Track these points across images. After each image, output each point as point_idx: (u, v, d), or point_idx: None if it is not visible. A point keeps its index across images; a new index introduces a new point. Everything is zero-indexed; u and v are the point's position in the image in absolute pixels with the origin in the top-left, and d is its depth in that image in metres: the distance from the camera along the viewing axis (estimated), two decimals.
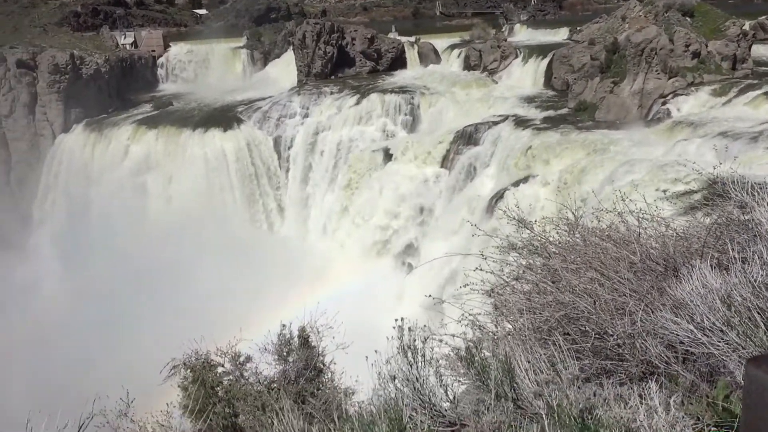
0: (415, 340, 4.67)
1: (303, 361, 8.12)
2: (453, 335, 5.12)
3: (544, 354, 4.48)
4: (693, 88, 53.57)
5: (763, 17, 68.96)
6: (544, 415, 3.69)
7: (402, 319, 4.82)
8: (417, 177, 56.38)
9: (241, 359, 8.21)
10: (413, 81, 69.14)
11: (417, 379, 4.32)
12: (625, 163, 43.20)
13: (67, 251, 58.37)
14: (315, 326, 8.11)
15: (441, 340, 5.04)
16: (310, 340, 8.23)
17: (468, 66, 72.21)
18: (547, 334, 5.31)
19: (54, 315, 50.71)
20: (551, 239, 7.17)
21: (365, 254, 55.72)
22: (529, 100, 61.35)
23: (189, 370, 7.86)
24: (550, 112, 57.66)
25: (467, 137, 56.32)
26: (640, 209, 7.16)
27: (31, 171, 70.73)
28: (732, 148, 38.46)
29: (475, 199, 50.58)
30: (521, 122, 55.30)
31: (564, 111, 57.80)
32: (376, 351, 4.73)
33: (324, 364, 8.15)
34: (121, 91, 76.11)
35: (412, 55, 76.67)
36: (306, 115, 65.18)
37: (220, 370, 8.09)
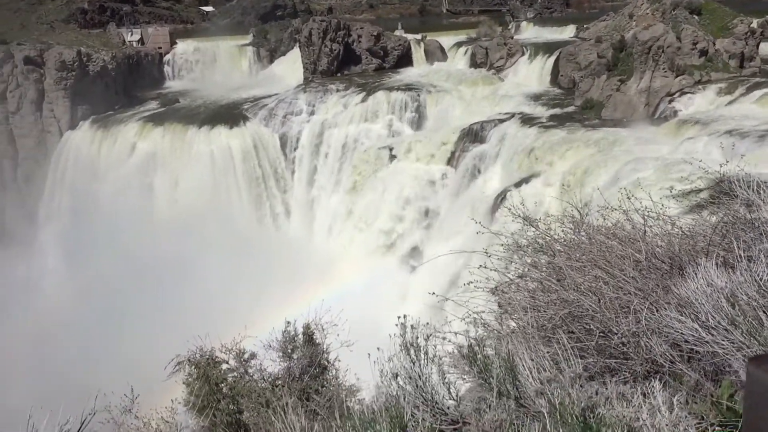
0: (417, 338, 4.66)
1: (307, 359, 8.12)
2: (455, 333, 5.11)
3: (548, 352, 4.47)
4: (700, 87, 53.35)
5: None
6: (546, 414, 3.68)
7: (405, 316, 4.81)
8: (422, 177, 56.29)
9: (246, 356, 8.22)
10: (419, 78, 69.09)
11: (419, 376, 4.31)
12: (632, 162, 43.06)
13: (72, 248, 58.57)
14: (319, 324, 8.12)
15: (444, 338, 5.03)
16: (314, 337, 8.23)
17: (474, 63, 72.12)
18: (551, 333, 5.29)
19: (58, 311, 50.92)
20: (556, 237, 7.15)
21: (370, 255, 55.66)
22: (536, 97, 61.23)
23: (193, 367, 7.87)
24: (557, 110, 57.53)
25: (473, 135, 56.25)
26: (646, 207, 7.13)
27: (38, 168, 71.01)
28: (739, 146, 38.27)
29: (480, 198, 50.52)
30: (527, 120, 55.18)
31: (570, 109, 57.66)
32: (378, 348, 4.72)
33: (328, 362, 8.16)
34: (127, 88, 76.33)
35: (418, 52, 76.61)
36: (312, 113, 65.22)
37: (224, 366, 8.10)
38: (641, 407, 3.76)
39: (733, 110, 48.35)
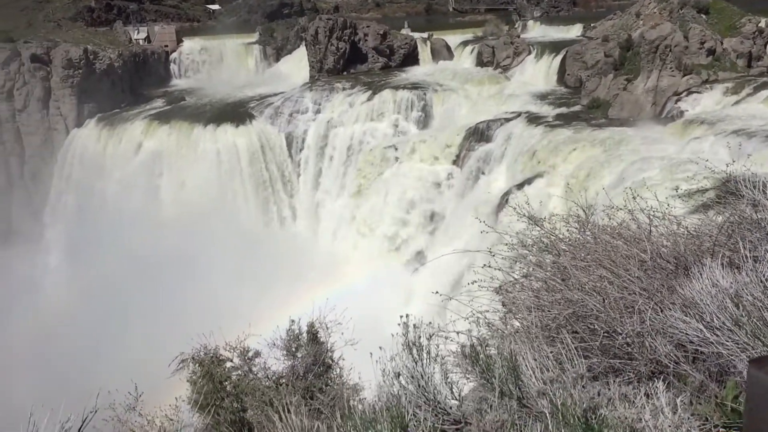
0: (420, 337, 4.65)
1: (311, 357, 8.12)
2: (458, 332, 5.09)
3: (552, 352, 4.45)
4: (707, 86, 53.14)
5: None
6: (548, 414, 3.66)
7: (407, 315, 4.80)
8: (428, 179, 56.18)
9: (250, 354, 8.22)
10: (425, 77, 69.01)
11: (422, 376, 4.30)
12: (638, 161, 42.94)
13: (78, 245, 58.74)
14: (324, 322, 8.11)
15: (447, 337, 5.01)
16: (318, 336, 8.23)
17: (481, 62, 72.00)
18: (555, 332, 5.27)
19: (63, 309, 51.09)
20: (561, 237, 7.13)
21: (374, 258, 55.57)
22: (542, 97, 61.09)
23: (198, 365, 7.88)
24: (563, 110, 57.39)
25: (479, 134, 56.17)
26: (652, 207, 7.11)
27: (45, 165, 71.26)
28: (746, 146, 38.13)
29: (486, 197, 50.44)
30: (534, 119, 55.06)
31: (577, 108, 57.52)
32: (380, 347, 4.71)
33: (332, 360, 8.15)
34: (134, 86, 76.51)
35: (424, 51, 76.53)
36: (318, 111, 65.22)
37: (228, 365, 8.10)
38: (644, 408, 3.74)
39: (741, 110, 48.15)
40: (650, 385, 4.09)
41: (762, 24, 59.83)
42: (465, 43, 76.81)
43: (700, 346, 4.53)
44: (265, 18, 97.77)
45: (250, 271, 50.05)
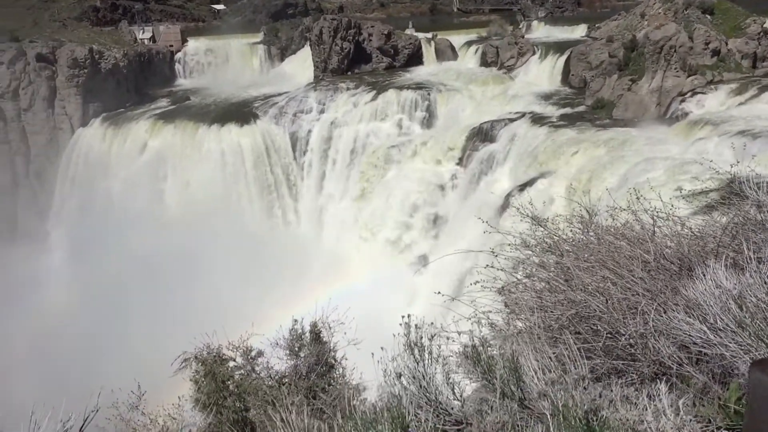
0: (421, 338, 4.64)
1: (314, 357, 8.11)
2: (459, 332, 5.08)
3: (554, 353, 4.43)
4: (712, 87, 52.99)
5: None
6: (549, 416, 3.65)
7: (408, 315, 4.79)
8: (431, 180, 56.09)
9: (253, 354, 8.22)
10: (430, 77, 69.00)
11: (423, 376, 4.30)
12: (642, 162, 42.85)
13: (82, 244, 58.81)
14: (326, 322, 8.11)
15: (448, 338, 5.00)
16: (321, 335, 8.22)
17: (485, 63, 71.97)
18: (557, 333, 5.26)
19: (67, 308, 51.15)
20: (565, 237, 7.11)
21: (378, 259, 55.50)
22: (546, 97, 61.02)
23: (200, 364, 7.88)
24: (567, 110, 57.32)
25: (483, 134, 56.14)
26: (655, 208, 7.09)
27: (50, 164, 71.39)
28: (750, 146, 38.03)
29: (490, 197, 50.37)
30: (538, 119, 55.00)
31: (581, 108, 57.44)
32: (382, 348, 4.70)
33: (335, 360, 8.15)
34: (139, 85, 76.63)
35: (428, 51, 76.52)
36: (322, 111, 65.24)
37: (231, 364, 8.11)
38: (646, 410, 3.73)
39: (745, 111, 48.01)
40: (653, 386, 4.07)
41: (767, 25, 59.64)
42: (469, 44, 76.78)
43: (704, 347, 4.52)
44: (270, 18, 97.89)
45: (254, 271, 50.09)
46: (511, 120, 56.25)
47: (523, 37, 74.30)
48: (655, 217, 6.81)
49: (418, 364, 4.42)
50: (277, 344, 8.14)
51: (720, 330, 4.44)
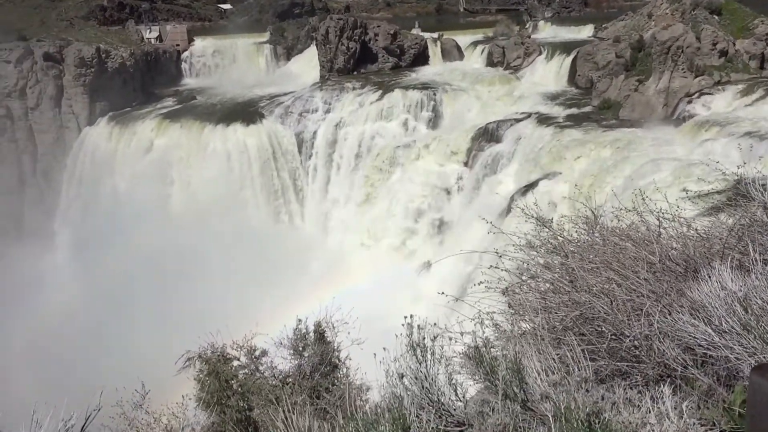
0: (424, 338, 4.63)
1: (318, 357, 8.12)
2: (461, 333, 5.07)
3: (558, 354, 4.42)
4: (719, 87, 52.77)
5: None
6: (551, 418, 3.63)
7: (411, 316, 4.78)
8: (437, 182, 55.98)
9: (257, 353, 8.23)
10: (435, 77, 68.93)
11: (426, 377, 4.28)
12: (648, 163, 42.72)
13: (88, 242, 59.00)
14: (330, 322, 8.11)
15: (451, 338, 4.99)
16: (325, 335, 8.23)
17: (491, 63, 71.87)
18: (561, 334, 5.24)
19: (71, 306, 51.28)
20: (570, 238, 7.09)
21: (383, 260, 55.44)
22: (553, 97, 60.88)
23: (204, 363, 7.89)
24: (574, 110, 57.18)
25: (489, 134, 56.06)
26: (661, 209, 7.06)
27: (57, 163, 71.63)
28: (757, 148, 37.86)
29: (495, 198, 50.26)
30: (544, 120, 54.88)
31: (588, 109, 57.28)
32: (384, 348, 4.70)
33: (339, 360, 8.15)
34: (145, 84, 76.84)
35: (434, 51, 76.45)
36: (328, 111, 65.23)
37: (235, 363, 8.12)
38: (649, 412, 3.71)
39: (753, 112, 47.80)
40: (656, 389, 4.05)
41: None
42: (475, 44, 76.67)
43: (709, 349, 4.49)
44: (276, 17, 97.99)
45: (259, 272, 50.16)
46: (517, 120, 56.15)
47: (529, 37, 74.15)
48: (660, 219, 6.79)
49: (420, 364, 4.41)
50: (281, 344, 8.15)
51: (725, 332, 4.41)
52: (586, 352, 4.65)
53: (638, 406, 3.86)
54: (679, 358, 4.64)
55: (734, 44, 56.01)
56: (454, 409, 4.21)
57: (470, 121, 60.04)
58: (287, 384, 7.82)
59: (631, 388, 4.26)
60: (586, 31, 79.21)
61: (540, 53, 69.66)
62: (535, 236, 7.23)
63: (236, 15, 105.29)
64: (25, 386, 37.41)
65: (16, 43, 72.88)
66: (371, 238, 57.57)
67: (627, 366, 4.92)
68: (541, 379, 4.07)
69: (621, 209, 7.37)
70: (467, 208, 53.17)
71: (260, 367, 8.11)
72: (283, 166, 64.10)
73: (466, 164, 56.20)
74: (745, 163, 7.85)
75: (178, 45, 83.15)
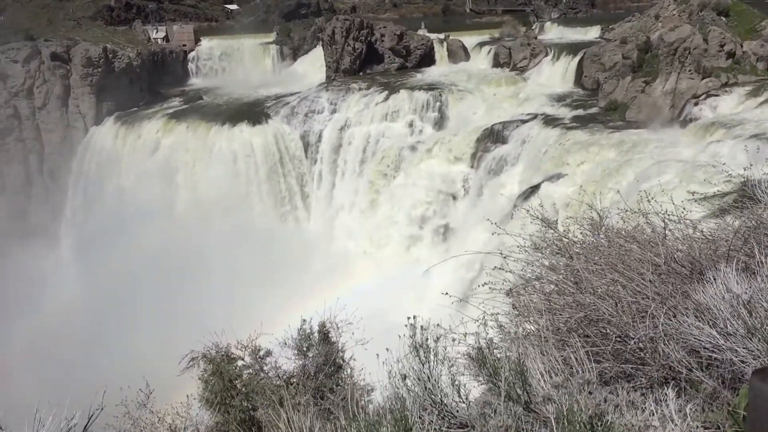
0: (427, 339, 4.62)
1: (322, 357, 8.11)
2: (465, 334, 5.06)
3: (561, 356, 4.40)
4: (727, 89, 52.58)
5: None
6: (553, 420, 3.61)
7: (414, 317, 4.77)
8: (441, 186, 55.89)
9: (261, 353, 8.23)
10: (442, 78, 68.89)
11: (428, 378, 4.28)
12: (655, 164, 42.58)
13: (93, 241, 59.15)
14: (335, 322, 8.11)
15: (454, 339, 4.98)
16: (330, 335, 8.22)
17: (497, 64, 71.80)
18: (566, 336, 5.22)
19: (77, 304, 51.42)
20: (575, 239, 7.07)
21: (387, 266, 55.41)
22: (559, 98, 60.77)
23: (209, 363, 7.90)
24: (580, 111, 57.07)
25: (495, 135, 55.99)
26: (667, 211, 7.03)
27: (63, 162, 71.86)
28: (764, 150, 37.62)
29: (501, 199, 50.18)
30: (550, 121, 54.79)
31: (594, 110, 57.16)
32: (387, 349, 4.69)
33: (344, 360, 8.14)
34: (152, 84, 77.05)
35: (441, 52, 76.43)
36: (334, 111, 65.28)
37: (239, 363, 8.12)
38: (652, 415, 3.69)
39: (760, 113, 47.60)
40: (660, 391, 4.03)
41: None
42: (482, 44, 76.60)
43: (714, 352, 4.47)
44: (283, 18, 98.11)
45: (264, 270, 50.21)
46: (523, 121, 56.08)
47: (536, 38, 74.07)
48: (666, 220, 6.76)
49: (423, 365, 4.40)
50: (286, 344, 8.15)
51: (730, 335, 4.39)
52: (590, 354, 4.63)
53: (641, 408, 3.84)
54: (683, 360, 4.62)
55: (742, 46, 55.81)
56: (457, 411, 4.20)
57: (476, 122, 59.98)
58: (291, 384, 7.82)
59: (635, 390, 4.24)
60: (592, 33, 79.03)
61: (546, 54, 69.56)
62: (540, 238, 7.21)
63: (243, 15, 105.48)
64: (28, 385, 37.46)
65: (23, 42, 73.17)
66: (373, 245, 57.55)
67: (632, 368, 4.90)
68: (544, 380, 4.05)
69: (626, 211, 7.35)
70: (472, 211, 53.09)
71: (264, 367, 8.11)
72: (290, 172, 64.14)
73: (471, 165, 56.13)
74: (751, 165, 7.81)
75: (184, 45, 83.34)
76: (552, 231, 7.29)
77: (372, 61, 74.24)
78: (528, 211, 7.76)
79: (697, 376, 4.51)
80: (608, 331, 5.24)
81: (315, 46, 79.97)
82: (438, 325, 4.93)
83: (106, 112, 72.55)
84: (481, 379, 4.56)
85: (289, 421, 4.55)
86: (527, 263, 6.90)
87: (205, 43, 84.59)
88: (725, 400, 4.19)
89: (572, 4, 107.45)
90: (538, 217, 7.52)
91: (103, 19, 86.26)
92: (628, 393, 4.05)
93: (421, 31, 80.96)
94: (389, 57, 74.52)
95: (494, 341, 5.10)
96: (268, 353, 8.22)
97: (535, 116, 56.62)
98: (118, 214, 60.04)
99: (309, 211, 64.44)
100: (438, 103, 63.02)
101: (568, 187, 46.22)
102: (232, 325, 8.19)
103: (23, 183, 72.68)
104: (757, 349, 4.22)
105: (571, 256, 6.66)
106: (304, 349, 8.23)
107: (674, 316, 4.99)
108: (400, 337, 4.69)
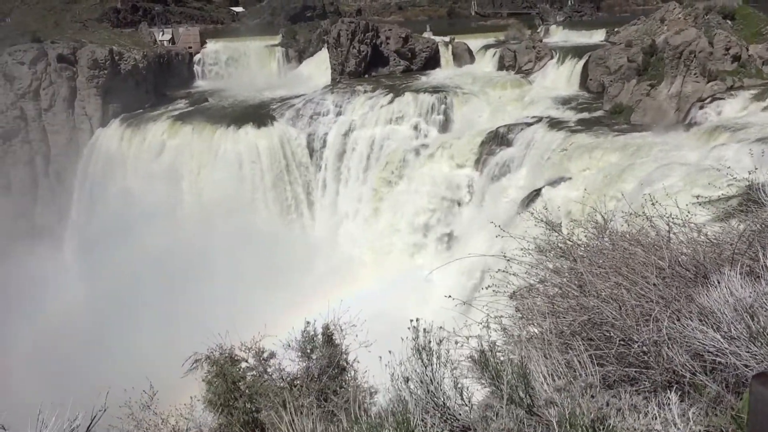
0: (430, 342, 4.62)
1: (326, 359, 8.11)
2: (468, 337, 5.05)
3: (565, 359, 4.39)
4: (732, 93, 52.45)
5: None
6: (555, 424, 3.61)
7: (417, 319, 4.77)
8: (446, 193, 55.84)
9: (265, 355, 8.23)
10: (447, 81, 68.86)
11: (431, 381, 4.27)
12: (660, 168, 42.49)
13: (98, 243, 59.25)
14: (338, 324, 8.12)
15: (457, 342, 4.98)
16: (333, 337, 8.23)
17: (502, 66, 71.74)
18: (569, 339, 5.22)
19: (81, 305, 51.51)
20: (579, 242, 7.07)
21: (391, 271, 55.39)
22: (564, 101, 60.67)
23: (212, 365, 7.91)
24: (585, 114, 56.98)
25: (500, 138, 55.95)
26: (671, 214, 7.02)
27: (69, 164, 72.05)
28: None
29: (505, 201, 50.15)
30: (555, 124, 54.72)
31: (599, 113, 57.05)
32: (390, 352, 4.69)
33: (347, 362, 8.14)
34: (158, 86, 77.17)
35: (446, 54, 76.43)
36: (339, 114, 65.30)
37: (243, 365, 8.13)
38: (655, 419, 3.68)
39: (765, 117, 47.47)
40: (663, 395, 4.02)
41: None
42: (487, 47, 76.53)
43: (717, 356, 4.46)
44: (288, 20, 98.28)
45: (268, 273, 50.25)
46: (528, 124, 56.02)
47: (541, 41, 73.98)
48: (670, 224, 6.75)
49: (426, 368, 4.40)
50: (290, 346, 8.16)
51: (734, 339, 4.38)
52: (593, 358, 4.62)
53: (644, 412, 3.83)
54: (687, 364, 4.60)
55: (747, 49, 55.69)
56: (460, 414, 4.20)
57: (481, 125, 59.92)
58: (295, 386, 7.82)
59: (638, 394, 4.23)
60: (597, 36, 78.89)
61: (551, 57, 69.48)
62: (545, 241, 7.21)
63: (248, 18, 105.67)
64: (30, 386, 37.53)
65: (30, 44, 73.42)
66: (376, 253, 57.53)
67: (635, 372, 4.89)
68: (547, 384, 4.05)
69: (631, 214, 7.34)
70: (477, 214, 53.04)
71: (268, 369, 8.12)
72: (297, 180, 64.16)
73: (476, 168, 56.09)
74: (756, 169, 7.79)
75: (190, 47, 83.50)
76: (556, 234, 7.29)
77: (377, 64, 74.29)
78: (532, 213, 7.75)
79: (701, 380, 4.50)
80: (612, 334, 5.24)
81: (320, 49, 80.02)
82: (441, 327, 4.92)
83: (112, 114, 72.72)
84: (483, 382, 4.55)
85: (292, 424, 4.55)
86: (531, 266, 6.89)
87: (211, 45, 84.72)
88: (729, 404, 4.17)
89: (577, 7, 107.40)
90: (542, 220, 7.52)
91: (110, 21, 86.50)
92: (630, 397, 4.04)
93: (426, 34, 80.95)
94: (394, 59, 74.57)
95: (497, 344, 5.10)
96: (272, 355, 8.23)
97: (540, 119, 56.56)
98: (123, 215, 60.12)
99: (314, 219, 64.40)
100: (443, 106, 62.99)
101: (572, 189, 46.14)
102: (235, 326, 8.20)
103: (29, 184, 72.90)
104: (761, 354, 4.21)
105: (575, 259, 6.65)
106: (308, 351, 8.24)
107: (678, 320, 4.98)
108: (402, 339, 4.69)
